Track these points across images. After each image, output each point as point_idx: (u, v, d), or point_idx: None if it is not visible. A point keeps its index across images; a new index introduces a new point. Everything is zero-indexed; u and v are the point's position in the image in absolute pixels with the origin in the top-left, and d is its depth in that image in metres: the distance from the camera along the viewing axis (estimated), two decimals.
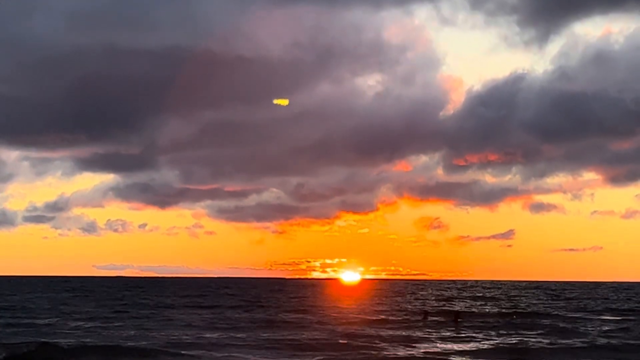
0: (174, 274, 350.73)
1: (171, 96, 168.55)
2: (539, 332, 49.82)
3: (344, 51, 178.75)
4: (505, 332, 49.19)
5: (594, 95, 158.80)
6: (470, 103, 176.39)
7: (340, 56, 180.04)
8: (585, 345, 41.87)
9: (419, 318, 59.56)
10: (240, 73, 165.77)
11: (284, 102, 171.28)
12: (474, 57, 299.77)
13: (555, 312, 72.57)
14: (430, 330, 50.19)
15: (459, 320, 56.94)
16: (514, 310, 74.64)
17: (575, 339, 44.82)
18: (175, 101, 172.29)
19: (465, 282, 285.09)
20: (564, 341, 43.60)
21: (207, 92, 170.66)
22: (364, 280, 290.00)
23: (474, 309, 75.87)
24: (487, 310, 75.25)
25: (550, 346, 40.81)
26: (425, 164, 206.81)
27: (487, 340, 44.09)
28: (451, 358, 35.84)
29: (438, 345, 41.49)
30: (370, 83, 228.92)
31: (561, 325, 55.73)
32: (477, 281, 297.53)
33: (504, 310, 73.69)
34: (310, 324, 53.49)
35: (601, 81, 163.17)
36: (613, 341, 43.58)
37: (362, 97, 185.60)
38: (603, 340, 44.06)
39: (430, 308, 74.29)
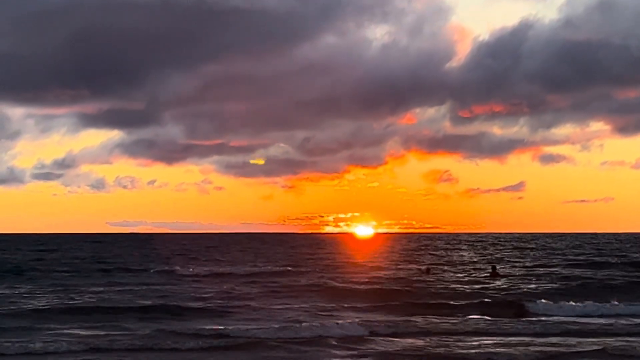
0: (188, 230, 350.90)
1: (171, 49, 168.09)
2: None
3: (349, 1, 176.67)
4: None
5: (599, 43, 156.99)
6: (475, 53, 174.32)
7: (345, 6, 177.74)
8: None
9: None
10: (238, 25, 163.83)
11: (260, 161, 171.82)
12: (478, 7, 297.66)
13: None
14: None
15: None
16: None
17: None
18: (176, 55, 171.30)
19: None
20: None
21: (207, 45, 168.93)
22: (379, 235, 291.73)
23: None
24: None
25: None
26: (431, 117, 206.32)
27: None
28: None
29: None
30: (376, 34, 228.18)
31: None
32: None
33: None
34: None
35: (607, 29, 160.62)
36: None
37: (368, 49, 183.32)
38: None
39: None
